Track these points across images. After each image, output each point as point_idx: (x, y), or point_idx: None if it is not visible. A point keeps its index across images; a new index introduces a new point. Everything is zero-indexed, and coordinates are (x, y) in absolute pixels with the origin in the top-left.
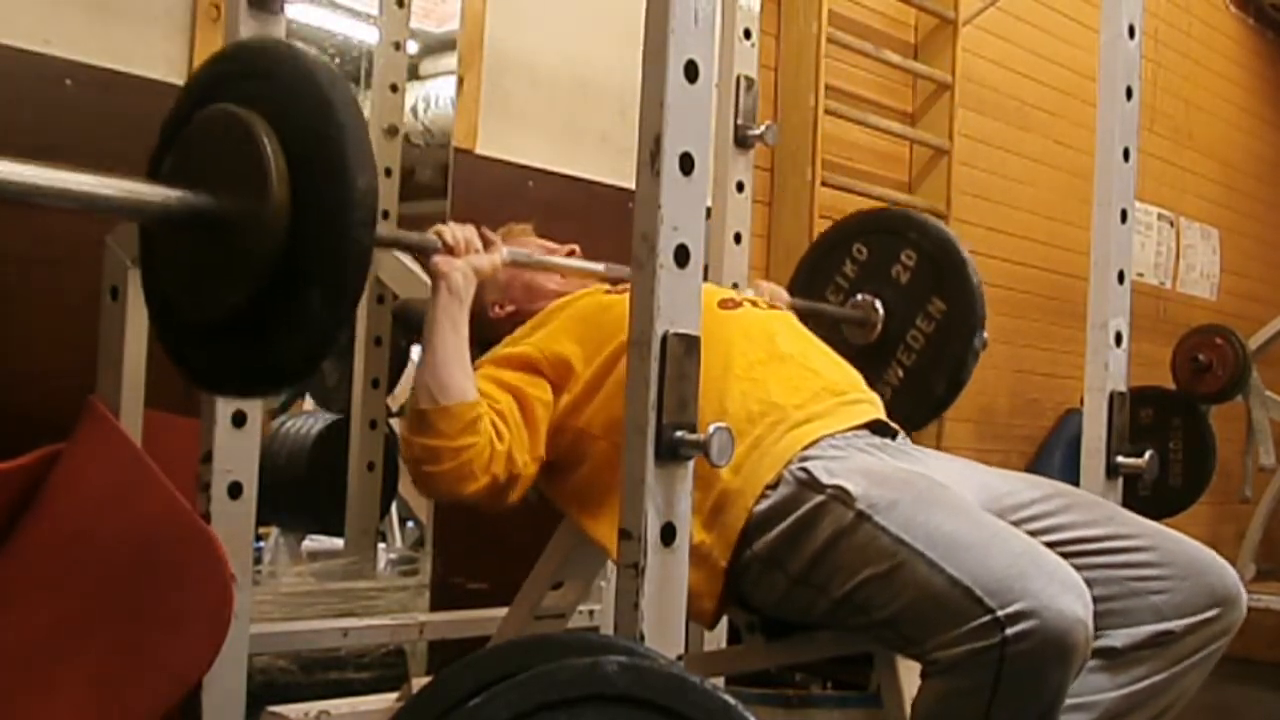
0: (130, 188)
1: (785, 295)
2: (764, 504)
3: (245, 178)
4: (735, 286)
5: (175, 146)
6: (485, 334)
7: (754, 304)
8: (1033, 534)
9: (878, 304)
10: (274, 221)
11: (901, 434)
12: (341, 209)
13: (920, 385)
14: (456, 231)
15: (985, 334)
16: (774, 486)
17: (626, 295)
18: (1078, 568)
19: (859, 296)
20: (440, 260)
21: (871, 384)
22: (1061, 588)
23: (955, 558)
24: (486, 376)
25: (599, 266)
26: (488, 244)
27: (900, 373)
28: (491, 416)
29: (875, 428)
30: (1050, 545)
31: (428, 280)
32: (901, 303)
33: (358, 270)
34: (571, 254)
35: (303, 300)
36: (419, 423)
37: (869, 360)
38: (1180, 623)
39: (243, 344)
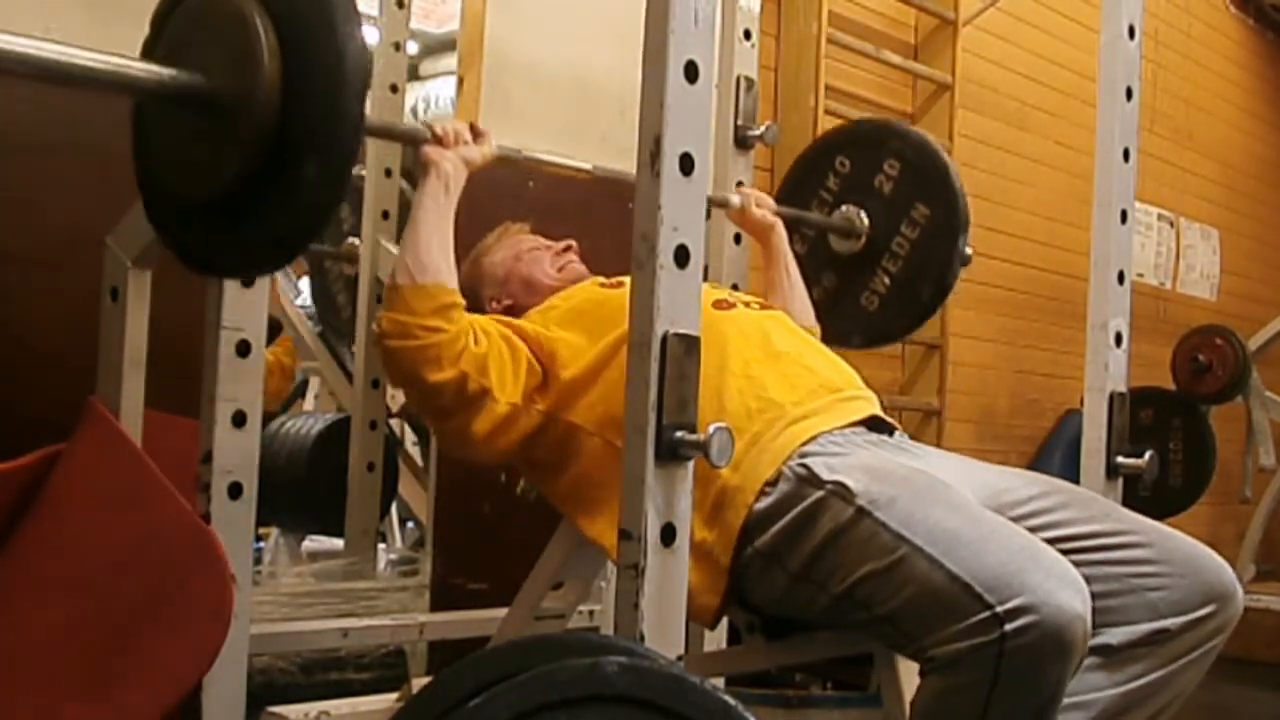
0: (125, 64)
1: (770, 202)
2: (764, 501)
3: (237, 55)
4: (735, 288)
5: (166, 30)
6: None
7: (747, 305)
8: (1031, 530)
9: (862, 214)
10: (266, 97)
11: (899, 430)
12: (333, 81)
13: (907, 292)
14: (447, 124)
15: (969, 249)
16: (773, 483)
17: (622, 290)
18: (1075, 564)
19: (843, 208)
20: (430, 149)
21: (859, 294)
22: (1060, 583)
23: (955, 553)
24: (485, 318)
25: (585, 165)
26: (478, 137)
27: (887, 280)
28: (475, 328)
29: (873, 424)
30: (1048, 542)
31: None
32: (886, 212)
33: (350, 140)
34: (568, 250)
35: (297, 171)
36: (392, 299)
37: (856, 270)
38: (1177, 620)
39: (239, 219)
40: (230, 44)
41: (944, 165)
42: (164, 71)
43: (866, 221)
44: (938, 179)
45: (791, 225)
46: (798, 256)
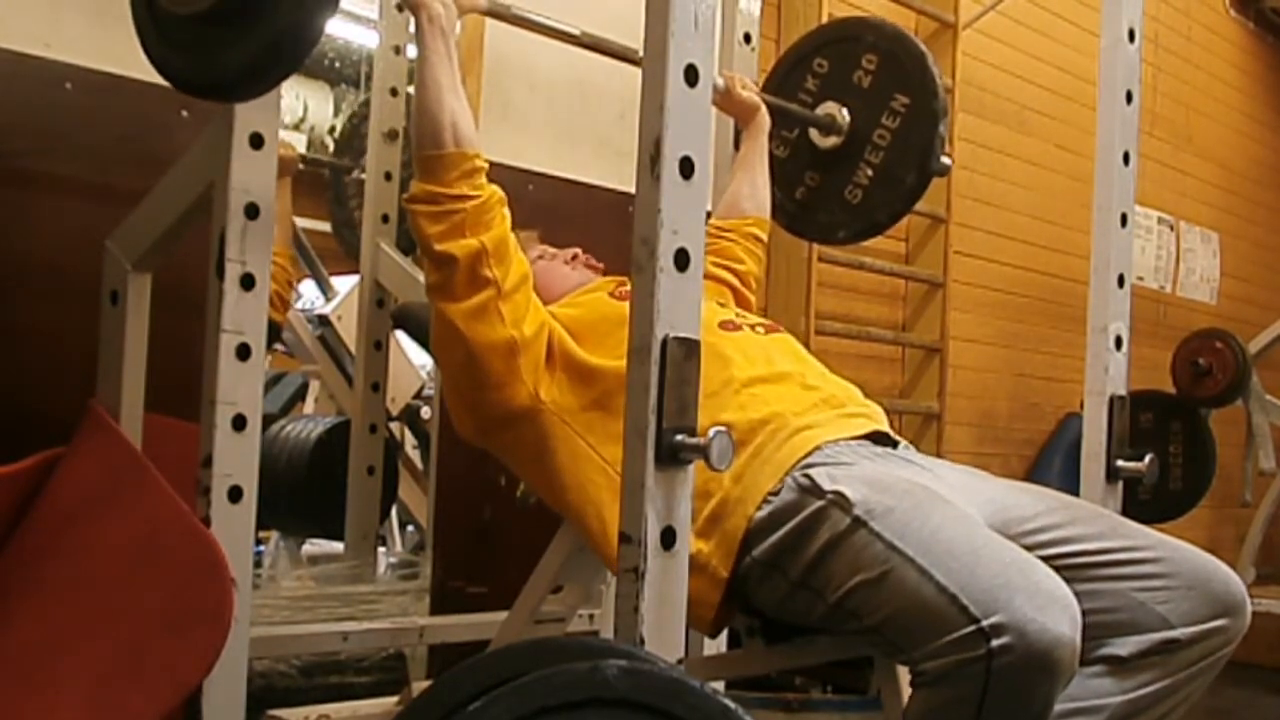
0: None
1: (754, 87)
2: (764, 510)
3: None
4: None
5: None
6: None
7: (753, 327)
8: (1037, 547)
9: (844, 110)
10: None
11: (905, 443)
12: None
13: (892, 179)
14: None
15: (947, 159)
16: (775, 493)
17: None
18: (1083, 580)
19: (825, 104)
20: None
21: (843, 188)
22: (1048, 600)
23: (945, 565)
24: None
25: (575, 30)
26: None
27: (870, 172)
28: (501, 201)
29: (878, 439)
30: (1055, 558)
31: (424, 280)
32: (866, 105)
33: None
34: (574, 259)
35: None
36: (419, 167)
37: (839, 166)
38: (1186, 631)
39: (233, 28)
40: None
41: (920, 53)
42: None
43: (847, 116)
44: (915, 67)
45: (774, 118)
46: (779, 160)
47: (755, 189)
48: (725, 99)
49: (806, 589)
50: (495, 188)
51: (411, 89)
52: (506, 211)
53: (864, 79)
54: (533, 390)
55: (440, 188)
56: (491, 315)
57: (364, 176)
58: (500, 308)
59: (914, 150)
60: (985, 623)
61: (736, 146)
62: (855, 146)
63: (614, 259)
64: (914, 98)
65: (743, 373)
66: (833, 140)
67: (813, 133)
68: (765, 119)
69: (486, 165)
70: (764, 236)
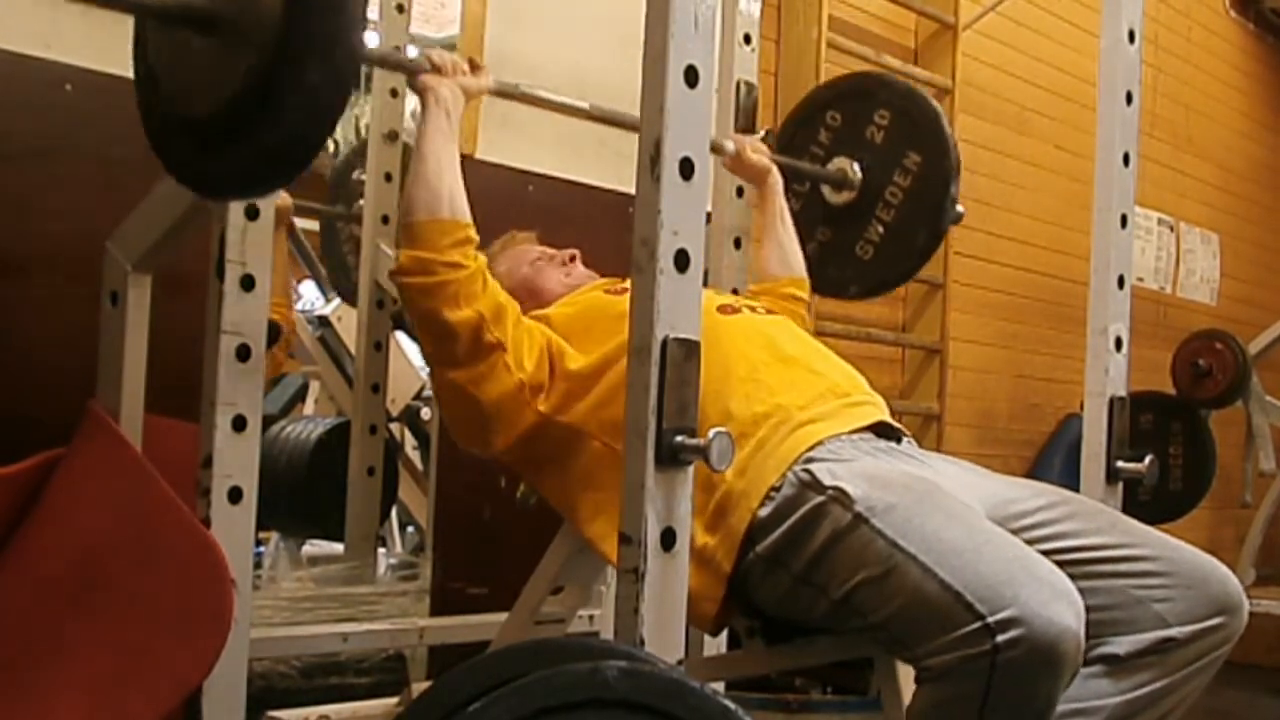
0: None
1: (765, 149)
2: (767, 507)
3: None
4: (735, 292)
5: None
6: None
7: (753, 309)
8: (1036, 542)
9: (855, 166)
10: (268, 17)
11: (908, 436)
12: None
13: (902, 237)
14: (445, 55)
15: (960, 208)
16: (778, 488)
17: (626, 296)
18: (1081, 576)
19: (836, 160)
20: (428, 77)
21: (854, 244)
22: (1052, 594)
23: (948, 563)
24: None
25: (584, 104)
26: (475, 69)
27: (881, 229)
28: (489, 273)
29: (881, 430)
30: (1054, 553)
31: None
32: (878, 162)
33: (353, 41)
34: (572, 260)
35: (300, 78)
36: (409, 235)
37: (850, 221)
38: (1183, 630)
39: (244, 133)
40: None
41: (934, 112)
42: None
43: (859, 172)
44: (928, 126)
45: (786, 176)
46: (792, 213)
47: (784, 251)
48: (736, 163)
49: (808, 585)
50: (484, 260)
51: (410, 88)
52: (495, 281)
53: (876, 135)
54: (537, 409)
55: (432, 253)
56: (500, 372)
57: (365, 177)
58: (508, 361)
59: (926, 209)
60: (991, 619)
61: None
62: (867, 203)
63: (614, 260)
64: (926, 157)
65: (745, 359)
66: (845, 196)
67: (825, 188)
68: (777, 180)
69: (477, 239)
70: (803, 295)
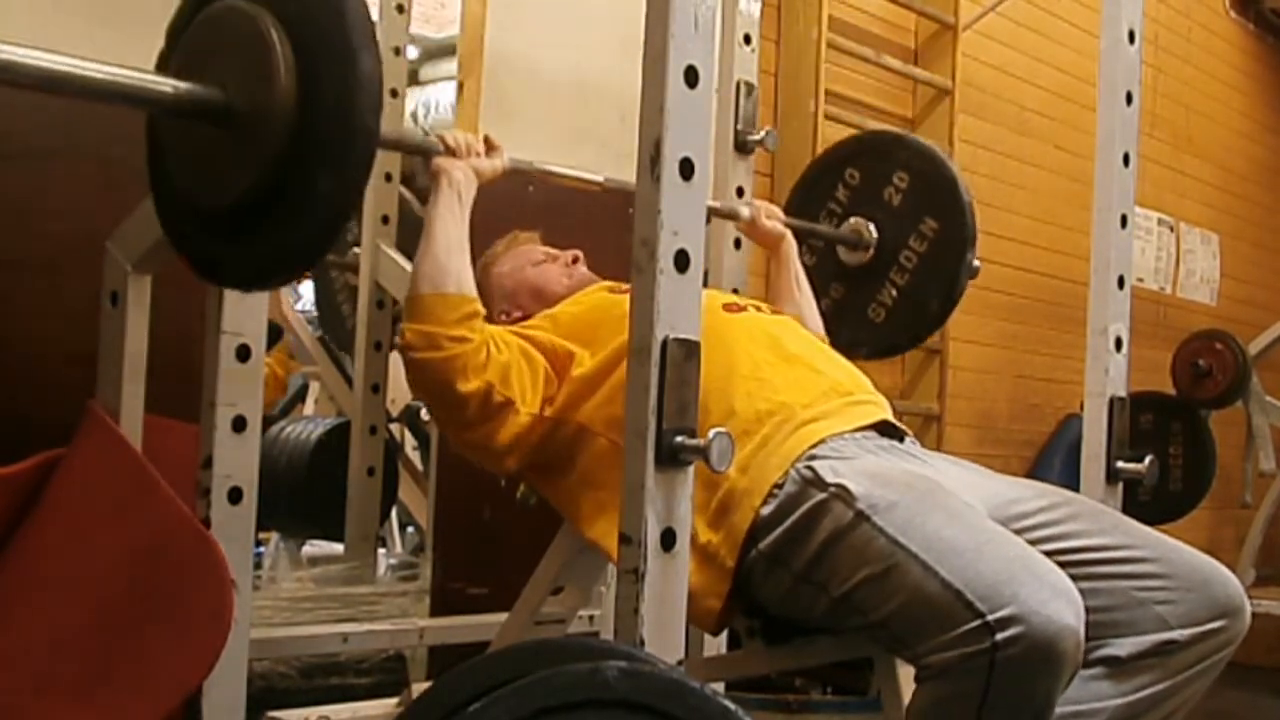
0: (141, 79)
1: (780, 213)
2: (770, 504)
3: (253, 70)
4: (736, 292)
5: (182, 42)
6: None
7: (758, 308)
8: (1038, 542)
9: (871, 226)
10: (282, 111)
11: (910, 436)
12: (348, 96)
13: (915, 303)
14: (459, 136)
15: (977, 262)
16: (780, 486)
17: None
18: (1082, 577)
19: (852, 220)
20: (441, 160)
21: (866, 305)
22: (1052, 593)
23: (949, 561)
24: (495, 327)
25: (599, 177)
26: (490, 149)
27: (894, 293)
28: (493, 338)
29: (884, 429)
30: (1055, 554)
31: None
32: (894, 224)
33: (364, 153)
34: (575, 261)
35: (311, 183)
36: (415, 309)
37: (864, 282)
38: (1185, 632)
39: (253, 228)
40: (247, 58)
41: (953, 178)
42: (181, 85)
43: (875, 234)
44: (947, 192)
45: (800, 236)
46: (806, 268)
47: (802, 315)
48: (751, 228)
49: (809, 583)
50: (488, 331)
51: (411, 90)
52: (507, 342)
53: (894, 197)
54: (543, 416)
55: (438, 328)
56: (511, 420)
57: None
58: (519, 409)
59: (940, 278)
60: (991, 617)
61: (737, 150)
62: (881, 264)
63: (615, 261)
64: (943, 224)
65: (749, 358)
66: (860, 256)
67: (840, 248)
68: (792, 246)
69: (484, 313)
70: None
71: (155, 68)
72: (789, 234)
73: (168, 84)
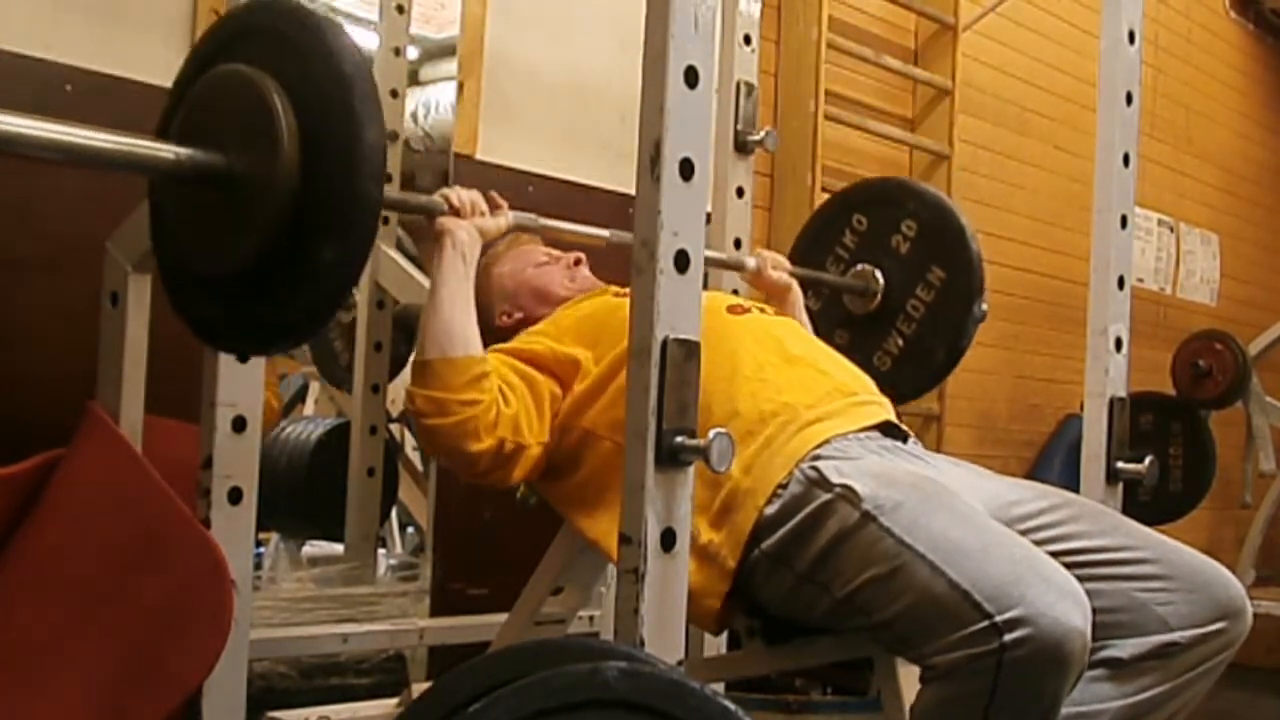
0: (142, 145)
1: (786, 264)
2: (774, 504)
3: (255, 136)
4: (736, 293)
5: (183, 106)
6: (494, 343)
7: (762, 310)
8: (1040, 543)
9: (878, 274)
10: (285, 178)
11: (913, 437)
12: (351, 164)
13: (921, 353)
14: (462, 194)
15: (985, 305)
16: (784, 486)
17: None
18: (1084, 578)
19: (859, 267)
20: (445, 219)
21: (872, 353)
22: (1059, 595)
23: (956, 562)
24: (497, 359)
25: (604, 233)
26: (494, 207)
27: (900, 341)
28: (500, 384)
29: (886, 429)
30: (1057, 555)
31: (426, 284)
32: (901, 272)
33: (367, 223)
34: (578, 263)
35: (314, 253)
36: (424, 374)
37: (869, 329)
38: (1186, 634)
39: (254, 297)
40: (249, 124)
41: (961, 228)
42: (182, 151)
43: (882, 281)
44: (954, 242)
45: (807, 283)
46: (811, 314)
47: None
48: (756, 279)
49: (813, 583)
50: (497, 384)
51: (411, 91)
52: (512, 385)
53: (902, 245)
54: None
55: (447, 394)
56: (523, 460)
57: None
58: (531, 446)
59: (946, 328)
60: (998, 618)
61: (737, 150)
62: (888, 313)
63: (615, 261)
64: (950, 274)
65: (753, 359)
66: (866, 305)
67: (846, 295)
68: (798, 296)
69: (491, 370)
70: None
71: (158, 126)
72: (795, 285)
73: (168, 150)
